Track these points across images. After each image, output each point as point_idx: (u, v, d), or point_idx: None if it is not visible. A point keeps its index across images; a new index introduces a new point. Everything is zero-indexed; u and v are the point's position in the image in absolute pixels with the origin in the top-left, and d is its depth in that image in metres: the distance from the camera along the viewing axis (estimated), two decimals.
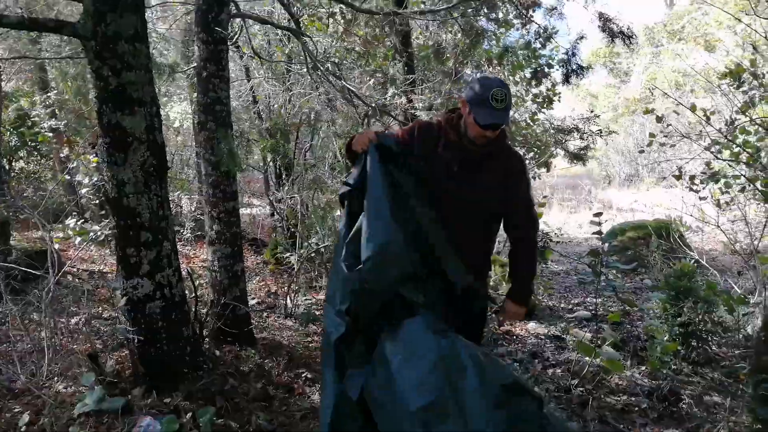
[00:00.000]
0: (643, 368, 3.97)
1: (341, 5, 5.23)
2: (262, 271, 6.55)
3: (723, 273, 5.96)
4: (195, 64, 3.88)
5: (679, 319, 4.00)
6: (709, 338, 4.03)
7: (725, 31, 8.94)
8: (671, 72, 19.35)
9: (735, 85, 4.88)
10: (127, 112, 2.97)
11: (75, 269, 5.81)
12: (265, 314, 5.09)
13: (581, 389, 3.60)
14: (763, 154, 4.69)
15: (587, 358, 3.74)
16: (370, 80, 4.95)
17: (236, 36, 4.83)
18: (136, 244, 3.13)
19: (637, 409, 3.42)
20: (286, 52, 5.38)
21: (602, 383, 3.68)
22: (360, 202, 2.40)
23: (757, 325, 4.58)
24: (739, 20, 5.80)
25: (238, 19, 4.94)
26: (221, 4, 3.70)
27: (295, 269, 5.16)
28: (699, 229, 8.99)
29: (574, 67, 5.42)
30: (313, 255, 5.25)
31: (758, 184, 4.94)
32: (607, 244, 8.40)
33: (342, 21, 5.36)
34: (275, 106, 5.87)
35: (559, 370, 3.95)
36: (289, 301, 5.12)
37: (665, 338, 3.99)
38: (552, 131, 6.11)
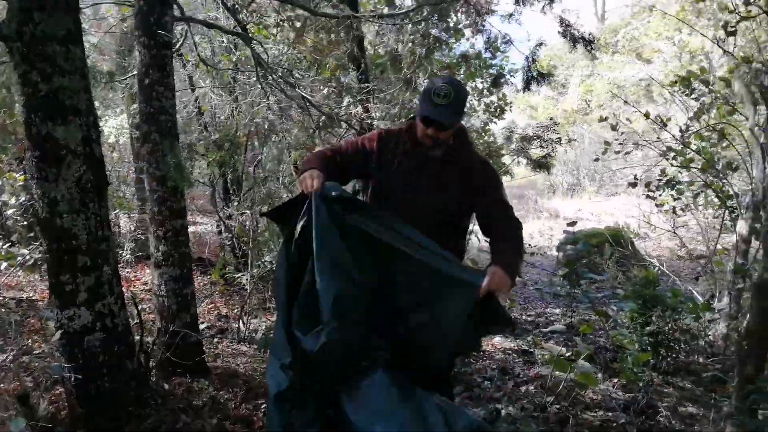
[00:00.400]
0: (616, 380, 3.88)
1: (292, 12, 5.02)
2: (210, 293, 6.17)
3: (674, 278, 6.01)
4: (135, 72, 3.56)
5: (647, 328, 3.95)
6: (678, 347, 4.00)
7: (664, 42, 9.28)
8: (607, 83, 20.01)
9: (686, 93, 4.94)
10: (59, 122, 2.65)
11: (1, 297, 5.28)
12: (216, 339, 4.74)
13: (557, 406, 3.47)
14: (716, 158, 4.75)
15: (561, 373, 3.61)
16: (323, 89, 4.73)
17: (179, 43, 4.52)
18: (71, 269, 2.79)
19: (615, 424, 3.31)
20: (234, 60, 5.09)
21: (577, 399, 3.56)
22: (303, 252, 2.18)
23: (720, 330, 4.61)
24: (691, 26, 5.96)
25: (181, 27, 4.64)
26: (164, 4, 3.40)
27: (248, 290, 4.85)
28: (646, 236, 9.21)
29: (534, 74, 5.37)
30: (265, 274, 4.95)
31: (710, 191, 5.01)
32: (561, 253, 8.48)
33: (291, 28, 5.13)
34: (221, 117, 5.56)
35: (531, 387, 3.81)
36: (241, 324, 4.79)
37: (636, 348, 3.92)
38: (516, 139, 6.07)
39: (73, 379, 2.83)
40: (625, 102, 4.96)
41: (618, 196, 16.35)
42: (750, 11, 4.26)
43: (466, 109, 3.58)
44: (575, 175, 20.12)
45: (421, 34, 4.68)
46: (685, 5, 6.78)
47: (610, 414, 3.43)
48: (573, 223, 3.39)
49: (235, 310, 5.66)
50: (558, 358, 3.44)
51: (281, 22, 4.83)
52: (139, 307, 3.71)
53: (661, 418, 3.38)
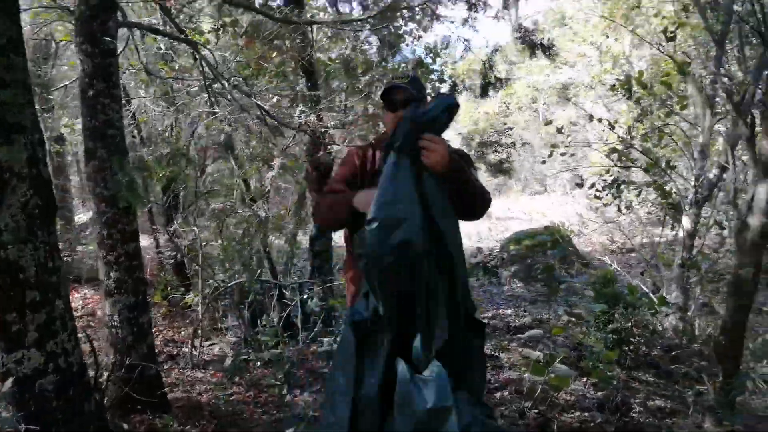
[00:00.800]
0: (586, 379, 3.94)
1: (229, 16, 4.80)
2: (153, 316, 5.78)
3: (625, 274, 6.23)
4: (77, 82, 3.25)
5: (610, 326, 4.04)
6: (639, 342, 4.12)
7: (588, 47, 9.73)
8: (527, 87, 20.76)
9: (627, 96, 5.14)
10: (1, 142, 2.36)
11: None
12: (166, 366, 4.43)
13: (536, 411, 3.47)
14: (659, 158, 4.97)
15: (534, 376, 3.62)
16: (273, 97, 4.54)
17: (120, 51, 4.19)
18: (19, 306, 2.50)
19: (593, 424, 3.35)
20: (176, 68, 4.79)
21: (554, 402, 3.58)
22: None
23: (670, 322, 4.81)
24: (636, 34, 6.22)
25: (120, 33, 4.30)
26: (108, 9, 3.13)
27: (200, 311, 4.56)
28: (581, 233, 9.57)
29: (492, 80, 5.40)
30: (219, 294, 4.69)
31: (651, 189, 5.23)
32: (507, 254, 8.64)
33: (233, 34, 4.89)
34: (160, 128, 5.21)
35: (506, 393, 3.79)
36: (194, 349, 4.51)
37: (601, 346, 4.01)
38: (474, 146, 6.09)
39: (24, 429, 2.53)
40: (575, 105, 5.10)
41: (543, 195, 16.95)
42: (687, 17, 4.49)
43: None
44: (499, 176, 20.70)
45: (380, 39, 4.61)
46: (613, 11, 7.12)
47: (586, 414, 3.47)
48: (548, 227, 3.43)
49: (183, 333, 5.34)
50: (535, 363, 3.44)
51: (223, 27, 4.59)
52: (88, 340, 3.39)
53: (634, 414, 3.46)
